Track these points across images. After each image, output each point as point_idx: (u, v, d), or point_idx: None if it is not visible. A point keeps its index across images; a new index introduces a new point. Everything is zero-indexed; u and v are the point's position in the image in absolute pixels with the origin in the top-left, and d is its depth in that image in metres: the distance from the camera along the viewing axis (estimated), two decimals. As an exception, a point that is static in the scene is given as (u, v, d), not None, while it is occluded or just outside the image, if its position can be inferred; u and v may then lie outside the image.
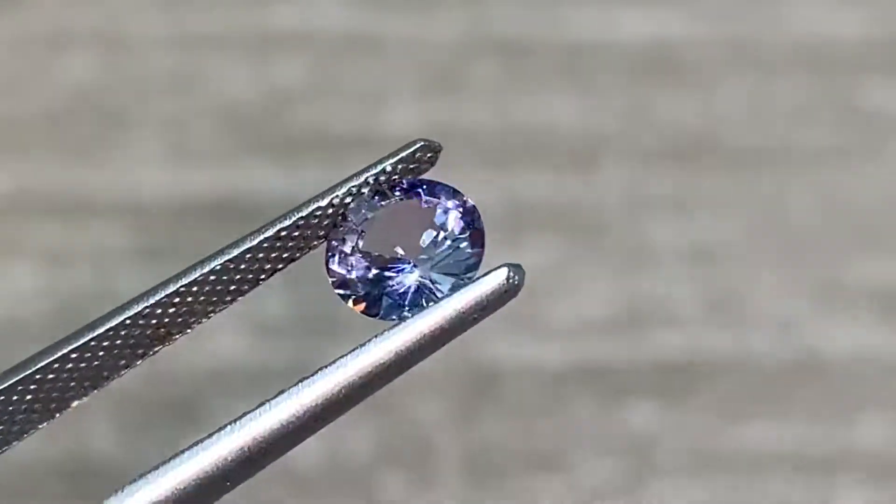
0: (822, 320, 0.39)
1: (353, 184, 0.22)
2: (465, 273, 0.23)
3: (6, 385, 0.18)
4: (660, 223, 0.40)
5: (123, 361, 0.18)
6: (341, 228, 0.23)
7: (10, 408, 0.17)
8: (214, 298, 0.19)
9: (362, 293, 0.22)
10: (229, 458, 0.19)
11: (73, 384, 0.17)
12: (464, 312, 0.21)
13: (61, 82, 0.41)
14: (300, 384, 0.19)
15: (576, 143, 0.41)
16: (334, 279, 0.23)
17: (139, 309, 0.18)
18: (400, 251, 0.23)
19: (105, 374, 0.17)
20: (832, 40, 0.42)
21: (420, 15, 0.42)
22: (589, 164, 0.40)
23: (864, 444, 0.38)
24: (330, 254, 0.23)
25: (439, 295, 0.22)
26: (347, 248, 0.22)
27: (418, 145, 0.22)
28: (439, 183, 0.23)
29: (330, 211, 0.22)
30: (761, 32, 0.42)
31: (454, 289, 0.22)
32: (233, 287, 0.19)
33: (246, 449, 0.19)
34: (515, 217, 0.40)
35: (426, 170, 0.22)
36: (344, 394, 0.19)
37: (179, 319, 0.19)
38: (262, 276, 0.20)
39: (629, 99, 0.41)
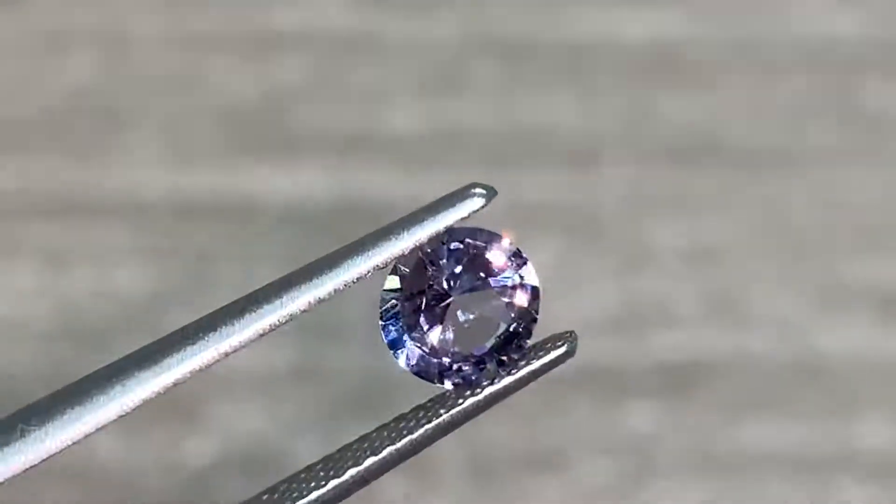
0: (822, 320, 0.39)
1: (416, 239, 0.22)
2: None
3: None
4: (660, 223, 0.40)
5: None
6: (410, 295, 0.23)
7: None
8: None
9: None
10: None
11: None
12: (524, 381, 0.23)
13: (61, 82, 0.41)
14: (369, 457, 0.21)
15: (576, 143, 0.41)
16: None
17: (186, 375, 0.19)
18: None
19: None
20: (832, 40, 0.42)
21: (420, 15, 0.42)
22: (589, 164, 0.40)
23: (864, 444, 0.38)
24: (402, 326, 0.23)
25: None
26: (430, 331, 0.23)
27: (482, 202, 0.22)
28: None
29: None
30: (761, 32, 0.42)
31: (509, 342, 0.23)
32: None
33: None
34: (516, 217, 0.40)
35: None
36: (412, 447, 0.22)
37: None
38: None
39: (629, 99, 0.41)
